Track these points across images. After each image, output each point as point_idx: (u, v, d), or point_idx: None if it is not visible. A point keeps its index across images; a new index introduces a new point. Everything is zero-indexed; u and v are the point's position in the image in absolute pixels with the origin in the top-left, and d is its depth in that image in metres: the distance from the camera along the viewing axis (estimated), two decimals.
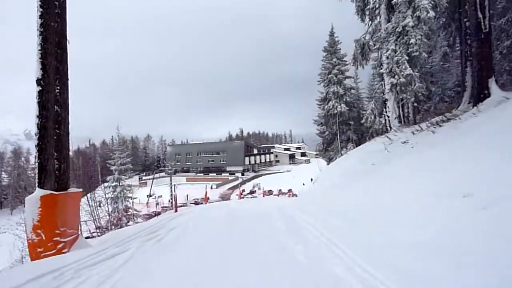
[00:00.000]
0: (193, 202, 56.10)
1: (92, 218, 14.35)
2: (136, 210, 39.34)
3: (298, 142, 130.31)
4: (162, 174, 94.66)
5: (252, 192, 61.41)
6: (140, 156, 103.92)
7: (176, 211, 19.82)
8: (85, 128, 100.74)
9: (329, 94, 29.20)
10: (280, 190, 59.65)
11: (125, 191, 16.81)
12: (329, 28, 30.90)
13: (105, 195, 16.78)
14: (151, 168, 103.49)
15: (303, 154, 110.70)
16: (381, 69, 12.88)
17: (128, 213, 16.72)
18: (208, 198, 54.19)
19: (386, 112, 14.50)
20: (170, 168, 38.49)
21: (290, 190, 59.97)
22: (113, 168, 18.06)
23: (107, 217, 15.64)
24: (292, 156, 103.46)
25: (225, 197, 61.97)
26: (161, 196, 59.52)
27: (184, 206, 49.64)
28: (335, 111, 28.19)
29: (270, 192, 61.74)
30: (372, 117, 14.57)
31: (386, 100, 14.42)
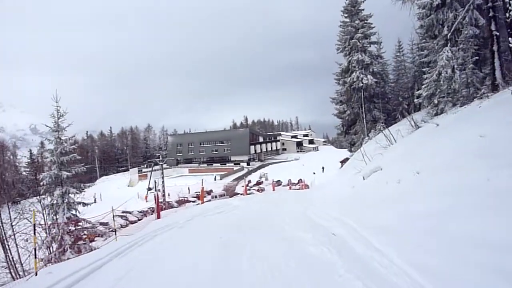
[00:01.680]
0: (195, 196, 51.44)
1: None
2: (124, 213, 34.67)
3: (305, 129, 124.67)
4: (164, 166, 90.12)
5: (258, 183, 56.41)
6: (140, 147, 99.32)
7: (158, 217, 14.70)
8: (87, 120, 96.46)
9: (352, 63, 23.56)
10: (289, 180, 54.57)
11: (70, 194, 11.43)
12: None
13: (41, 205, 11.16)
14: (153, 159, 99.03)
15: (311, 142, 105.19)
16: None
17: (78, 227, 11.56)
18: (207, 194, 49.51)
19: (494, 58, 9.01)
20: (162, 159, 33.46)
21: (300, 181, 54.82)
22: (48, 159, 12.76)
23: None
24: (299, 144, 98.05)
25: (229, 189, 57.08)
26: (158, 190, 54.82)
27: (185, 202, 44.88)
28: (360, 84, 22.64)
29: (279, 183, 56.69)
30: (449, 70, 9.10)
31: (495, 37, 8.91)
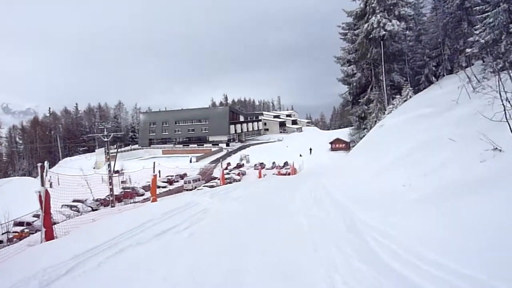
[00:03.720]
0: (165, 181, 45.37)
1: None
2: (76, 202, 28.22)
3: (287, 110, 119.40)
4: (136, 146, 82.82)
5: (239, 166, 50.91)
6: (111, 126, 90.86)
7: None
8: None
9: (371, 2, 17.75)
10: (274, 163, 49.35)
11: None
12: None
13: None
14: (124, 139, 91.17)
15: (294, 122, 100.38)
16: None
17: None
18: (180, 178, 43.53)
19: None
20: (107, 134, 27.17)
21: (286, 164, 49.77)
22: None
23: None
24: (282, 124, 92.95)
25: (206, 173, 51.35)
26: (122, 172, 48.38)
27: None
28: (382, 32, 16.98)
29: (262, 166, 51.51)
30: None
31: None
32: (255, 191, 12.81)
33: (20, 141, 79.29)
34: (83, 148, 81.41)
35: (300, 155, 52.92)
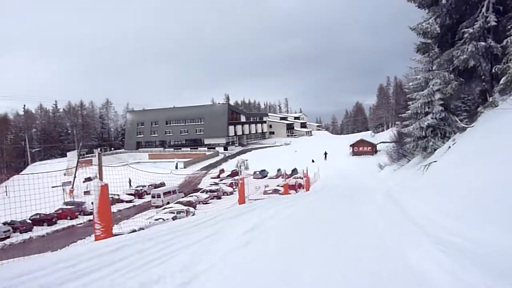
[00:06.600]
0: (131, 193, 34.14)
1: None
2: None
3: (296, 113, 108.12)
4: (122, 150, 72.19)
5: (234, 173, 39.53)
6: (95, 127, 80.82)
7: None
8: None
9: None
10: (279, 170, 37.58)
11: None
12: None
13: None
14: (114, 143, 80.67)
15: (303, 125, 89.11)
16: None
17: None
18: (154, 188, 33.52)
19: None
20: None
21: (295, 171, 38.15)
22: None
23: None
24: (290, 127, 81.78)
25: (191, 183, 39.98)
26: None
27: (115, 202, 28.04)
28: None
29: (263, 175, 40.03)
30: None
31: None
32: None
33: None
34: (63, 151, 71.10)
35: (313, 161, 41.45)
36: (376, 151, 43.45)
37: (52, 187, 11.32)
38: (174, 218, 21.69)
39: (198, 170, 45.50)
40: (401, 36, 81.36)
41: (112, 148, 70.97)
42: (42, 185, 6.99)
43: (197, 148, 61.70)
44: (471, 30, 9.00)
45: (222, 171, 42.54)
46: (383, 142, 43.28)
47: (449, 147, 8.56)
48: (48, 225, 24.22)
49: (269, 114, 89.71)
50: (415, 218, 5.08)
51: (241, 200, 8.71)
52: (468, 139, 7.56)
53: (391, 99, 79.49)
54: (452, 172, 6.41)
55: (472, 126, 7.94)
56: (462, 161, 6.48)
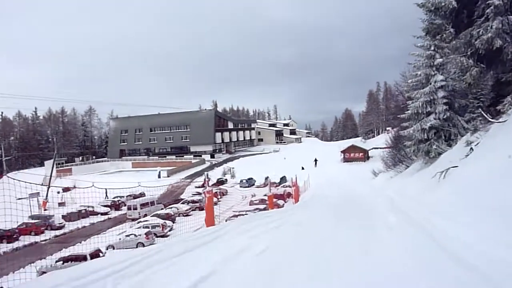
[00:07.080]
0: (107, 205, 31.53)
1: None
2: None
3: (285, 120, 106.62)
4: (105, 158, 69.20)
5: (220, 182, 37.31)
6: (78, 136, 77.63)
7: None
8: None
9: None
10: (267, 178, 35.43)
11: None
12: None
13: None
14: (98, 152, 77.30)
15: (292, 132, 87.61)
16: None
17: None
18: (131, 198, 31.22)
19: None
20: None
21: (284, 179, 36.21)
22: None
23: None
24: (279, 134, 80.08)
25: (174, 193, 37.70)
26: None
27: (89, 214, 25.55)
28: None
29: (250, 183, 37.96)
30: None
31: None
32: None
33: None
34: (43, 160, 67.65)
35: (302, 168, 39.68)
36: (368, 157, 41.98)
37: (17, 199, 9.13)
38: (148, 234, 19.42)
39: (182, 179, 43.17)
40: (393, 44, 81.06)
41: (94, 157, 67.78)
42: (3, 198, 6.03)
43: (182, 156, 59.34)
44: (496, 2, 7.38)
45: (208, 180, 40.29)
46: (375, 148, 41.93)
47: (471, 149, 6.81)
48: (7, 243, 21.54)
49: (257, 121, 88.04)
50: (457, 251, 3.22)
51: (209, 221, 6.74)
52: (501, 138, 5.82)
53: (381, 105, 78.74)
54: (492, 184, 4.60)
55: (505, 121, 6.24)
56: (503, 171, 4.67)
